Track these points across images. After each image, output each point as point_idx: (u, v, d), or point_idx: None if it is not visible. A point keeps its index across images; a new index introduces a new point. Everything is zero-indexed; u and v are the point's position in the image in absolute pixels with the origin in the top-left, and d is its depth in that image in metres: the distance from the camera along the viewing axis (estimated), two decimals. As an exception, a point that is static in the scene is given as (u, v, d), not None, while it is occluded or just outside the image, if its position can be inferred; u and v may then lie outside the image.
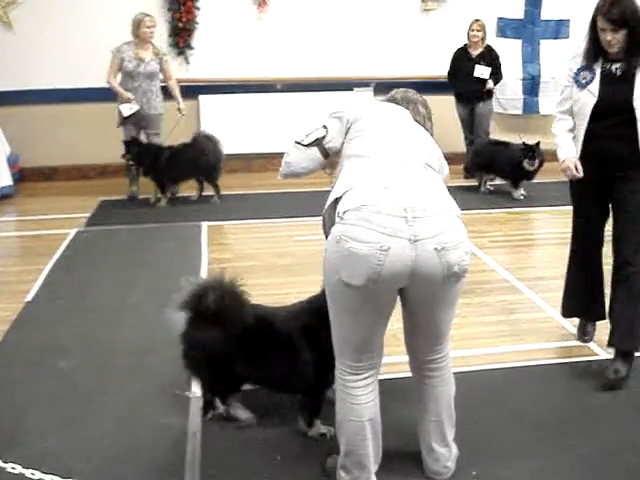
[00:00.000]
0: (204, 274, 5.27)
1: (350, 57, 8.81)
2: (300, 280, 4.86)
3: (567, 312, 4.21)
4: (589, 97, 3.63)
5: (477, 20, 8.13)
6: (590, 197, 3.81)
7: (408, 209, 2.47)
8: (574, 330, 4.38)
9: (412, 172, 2.62)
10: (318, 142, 2.83)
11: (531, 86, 9.45)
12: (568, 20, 9.39)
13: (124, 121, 7.38)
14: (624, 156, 3.61)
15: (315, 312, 3.05)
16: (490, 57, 8.18)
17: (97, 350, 4.18)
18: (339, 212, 2.54)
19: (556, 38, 9.44)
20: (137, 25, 7.26)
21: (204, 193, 7.70)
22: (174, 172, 7.36)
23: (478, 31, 8.11)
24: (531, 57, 9.44)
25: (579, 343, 4.27)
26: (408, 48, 8.79)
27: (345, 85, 8.81)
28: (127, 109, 7.29)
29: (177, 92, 7.63)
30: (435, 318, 2.72)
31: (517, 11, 9.26)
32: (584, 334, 4.21)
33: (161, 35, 8.49)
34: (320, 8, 8.80)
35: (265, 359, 3.25)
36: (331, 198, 2.67)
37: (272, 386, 3.42)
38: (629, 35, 3.48)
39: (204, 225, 6.73)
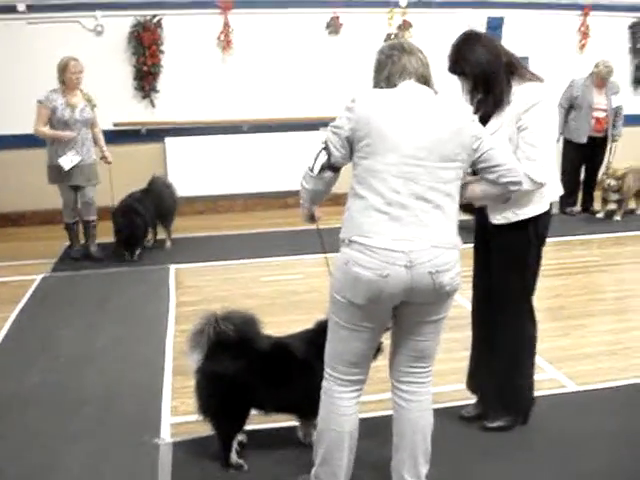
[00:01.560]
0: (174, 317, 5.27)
1: (315, 98, 8.90)
2: (269, 321, 4.81)
3: None
4: None
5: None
6: None
7: (406, 247, 2.65)
8: (543, 364, 4.43)
9: (418, 210, 2.69)
10: (325, 167, 2.84)
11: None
12: (527, 57, 9.56)
13: (62, 177, 6.69)
14: None
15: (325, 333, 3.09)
16: None
17: (65, 397, 4.13)
18: (347, 238, 2.75)
19: (516, 75, 9.62)
20: (62, 69, 6.56)
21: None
22: (138, 225, 7.02)
23: None
24: (492, 94, 9.60)
25: (548, 376, 4.32)
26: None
27: (311, 125, 8.88)
28: (68, 162, 6.59)
29: (103, 140, 7.00)
30: (422, 333, 2.87)
31: (477, 50, 9.43)
32: None
33: (126, 78, 8.58)
34: (285, 49, 8.90)
35: (285, 384, 3.31)
36: (341, 234, 2.80)
37: (289, 410, 3.47)
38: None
39: (172, 268, 6.71)
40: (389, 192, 2.68)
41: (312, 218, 3.20)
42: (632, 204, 8.78)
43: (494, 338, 3.56)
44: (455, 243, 2.77)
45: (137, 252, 7.01)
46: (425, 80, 2.87)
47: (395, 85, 2.85)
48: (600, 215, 8.56)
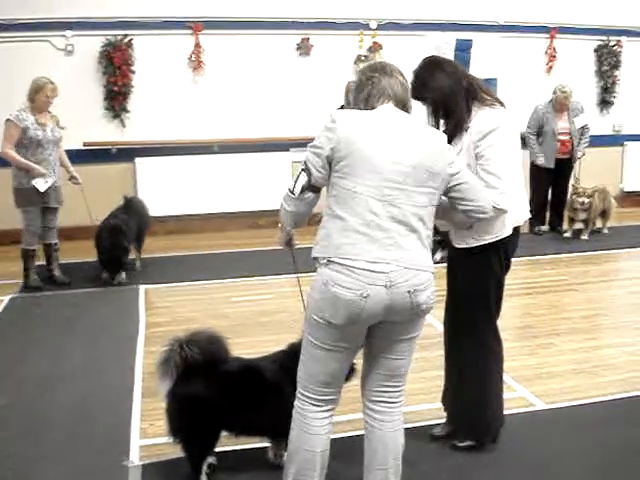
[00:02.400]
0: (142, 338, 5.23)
1: (286, 118, 8.96)
2: (238, 342, 4.81)
3: None
4: None
5: (354, 81, 8.18)
6: None
7: (386, 268, 2.69)
8: (512, 382, 4.47)
9: (395, 233, 2.72)
10: (305, 188, 2.83)
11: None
12: (495, 79, 9.74)
13: (35, 200, 6.48)
14: None
15: (298, 357, 3.08)
16: None
17: (33, 420, 4.08)
18: (324, 257, 2.75)
19: (484, 97, 9.75)
20: (37, 90, 6.38)
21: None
22: (123, 243, 6.83)
23: None
24: (461, 115, 9.72)
25: (516, 395, 4.35)
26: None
27: (281, 146, 8.93)
28: (42, 183, 6.39)
29: (68, 161, 6.86)
30: (396, 351, 2.89)
31: (446, 72, 9.56)
32: None
33: (96, 98, 8.55)
34: (256, 70, 8.96)
35: (255, 406, 3.29)
36: (315, 252, 2.81)
37: (259, 432, 3.44)
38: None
39: (141, 288, 6.67)
40: (368, 214, 2.71)
41: (289, 242, 3.20)
42: (598, 223, 8.90)
43: (461, 358, 3.58)
44: (429, 265, 2.80)
45: (122, 276, 6.84)
46: (403, 103, 2.91)
47: (373, 107, 2.89)
48: (568, 234, 8.67)
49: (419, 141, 2.80)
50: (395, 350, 2.89)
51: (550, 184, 8.80)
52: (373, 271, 2.67)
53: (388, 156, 2.72)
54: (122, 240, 6.74)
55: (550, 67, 10.13)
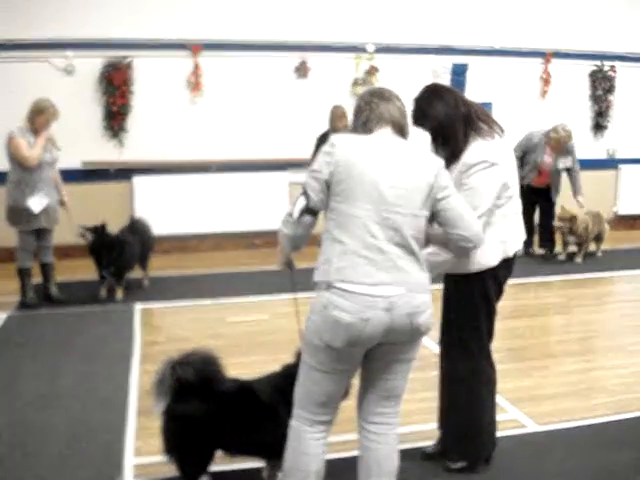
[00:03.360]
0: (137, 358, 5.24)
1: (283, 139, 9.03)
2: (234, 362, 4.83)
3: None
4: None
5: (338, 106, 8.14)
6: None
7: (385, 292, 2.74)
8: (505, 404, 4.50)
9: (394, 255, 2.77)
10: (304, 211, 2.88)
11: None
12: (490, 103, 9.82)
13: (28, 220, 6.51)
14: None
15: (293, 378, 3.10)
16: None
17: (28, 437, 4.09)
18: (325, 282, 2.79)
19: (480, 120, 9.84)
20: (39, 112, 6.40)
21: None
22: (127, 260, 7.02)
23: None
24: (457, 138, 9.79)
25: (509, 416, 4.37)
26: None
27: (278, 167, 8.99)
28: (37, 204, 6.43)
29: (61, 184, 6.88)
30: (394, 372, 2.93)
31: (442, 95, 9.64)
32: None
33: (95, 118, 8.62)
34: (253, 92, 9.04)
35: (250, 427, 3.32)
36: (316, 276, 2.85)
37: (254, 452, 3.46)
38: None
39: (137, 307, 6.69)
40: (368, 237, 2.75)
41: (289, 264, 3.24)
42: (592, 247, 8.95)
43: (454, 384, 3.62)
44: (427, 287, 2.86)
45: (119, 295, 6.92)
46: (400, 128, 2.96)
47: (371, 131, 2.94)
48: (562, 257, 8.71)
49: (415, 165, 2.85)
50: (392, 371, 2.93)
51: (534, 206, 8.72)
52: (373, 295, 2.72)
53: (386, 180, 2.78)
54: (127, 250, 6.87)
55: (545, 91, 10.22)
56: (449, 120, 3.34)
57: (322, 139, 8.26)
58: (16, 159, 6.40)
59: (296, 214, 2.88)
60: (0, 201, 6.71)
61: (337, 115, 8.13)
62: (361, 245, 2.75)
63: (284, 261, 3.23)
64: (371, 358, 2.91)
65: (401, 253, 2.78)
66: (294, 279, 3.30)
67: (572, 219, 8.42)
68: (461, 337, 3.54)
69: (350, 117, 3.14)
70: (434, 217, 2.92)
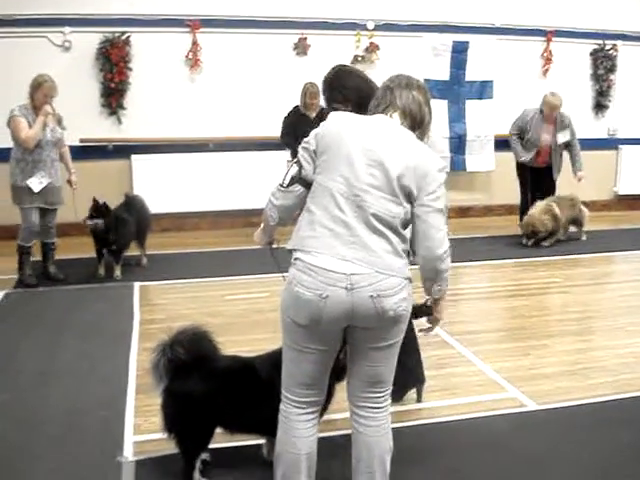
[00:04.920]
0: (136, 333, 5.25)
1: (282, 117, 8.96)
2: (233, 339, 4.84)
3: None
4: None
5: (313, 84, 8.05)
6: None
7: (348, 269, 2.65)
8: (504, 383, 4.51)
9: (360, 232, 2.68)
10: (296, 179, 2.87)
11: (458, 144, 9.80)
12: (491, 81, 9.80)
13: (30, 198, 6.49)
14: None
15: None
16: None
17: (27, 414, 4.08)
18: (291, 250, 2.79)
19: (480, 98, 9.82)
20: (35, 87, 6.32)
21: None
22: (126, 237, 7.01)
23: (316, 96, 8.00)
24: (457, 116, 9.79)
25: (508, 395, 4.38)
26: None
27: (276, 145, 8.93)
28: (37, 184, 6.41)
29: (71, 163, 6.88)
30: (373, 359, 2.83)
31: (443, 73, 9.62)
32: None
33: (93, 95, 8.57)
34: (252, 69, 8.98)
35: (249, 404, 3.32)
36: (287, 245, 2.84)
37: (253, 429, 3.45)
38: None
39: (136, 285, 6.68)
40: (335, 209, 2.71)
41: (270, 243, 3.23)
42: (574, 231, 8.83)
43: None
44: (399, 270, 2.71)
45: (117, 272, 6.93)
46: (412, 117, 2.89)
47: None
48: (526, 242, 8.30)
49: (403, 153, 2.75)
50: (372, 358, 2.83)
51: (534, 184, 8.65)
52: (334, 271, 2.65)
53: (364, 158, 2.73)
54: (124, 227, 6.85)
55: (546, 70, 10.16)
56: (367, 93, 3.36)
57: (290, 115, 8.22)
58: (14, 139, 6.38)
59: (287, 181, 2.88)
60: (3, 179, 6.67)
61: (310, 92, 8.11)
62: (327, 216, 2.71)
63: (267, 240, 3.22)
64: (350, 343, 2.85)
65: (368, 233, 2.69)
66: (277, 258, 3.26)
67: (527, 225, 8.23)
68: None
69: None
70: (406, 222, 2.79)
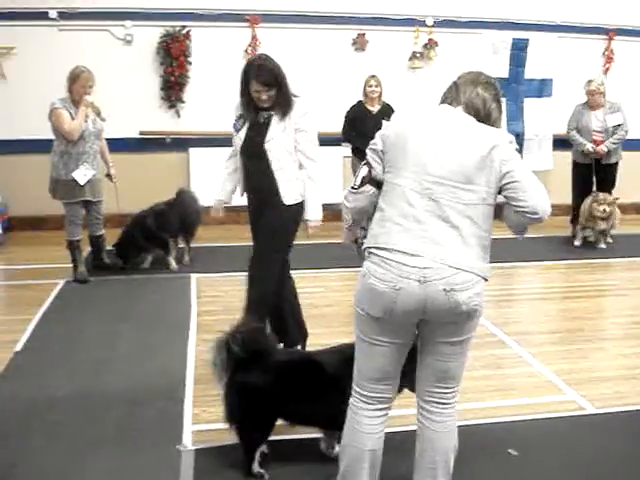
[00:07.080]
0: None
1: (341, 113, 8.93)
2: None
3: None
4: (238, 140, 4.63)
5: (373, 76, 8.07)
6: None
7: (421, 263, 2.66)
8: (562, 385, 4.46)
9: (431, 226, 2.69)
10: (366, 180, 2.90)
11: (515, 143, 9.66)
12: (551, 79, 9.68)
13: (74, 192, 6.46)
14: (264, 188, 4.61)
15: None
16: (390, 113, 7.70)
17: (87, 402, 4.17)
18: (367, 250, 2.81)
19: (539, 97, 9.70)
20: (73, 79, 6.31)
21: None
22: (169, 232, 7.08)
23: (376, 87, 8.04)
24: (515, 115, 9.67)
25: (567, 398, 4.34)
26: (396, 104, 8.96)
27: (334, 141, 8.93)
28: (82, 176, 6.36)
29: (109, 156, 6.88)
30: (444, 354, 2.84)
31: (502, 70, 9.49)
32: None
33: (153, 88, 8.69)
34: (311, 64, 8.94)
35: (312, 398, 3.35)
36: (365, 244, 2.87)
37: (314, 422, 3.49)
38: (278, 91, 4.57)
39: (193, 277, 6.76)
40: (406, 205, 2.72)
41: (355, 241, 3.26)
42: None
43: None
44: (472, 265, 2.69)
45: (148, 259, 7.10)
46: (476, 112, 2.86)
47: None
48: (577, 243, 8.18)
49: (471, 139, 2.75)
50: (443, 352, 2.83)
51: (590, 186, 8.38)
52: (407, 265, 2.66)
53: (431, 150, 2.73)
54: (136, 234, 6.92)
55: (607, 69, 9.99)
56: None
57: (351, 110, 8.21)
58: (58, 132, 6.37)
59: (358, 182, 2.91)
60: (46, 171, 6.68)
61: (369, 84, 8.06)
62: (397, 212, 2.73)
63: (351, 238, 3.24)
64: (422, 337, 2.87)
65: (441, 226, 2.69)
66: (362, 253, 3.29)
67: (613, 203, 8.08)
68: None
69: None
70: (500, 191, 2.78)
